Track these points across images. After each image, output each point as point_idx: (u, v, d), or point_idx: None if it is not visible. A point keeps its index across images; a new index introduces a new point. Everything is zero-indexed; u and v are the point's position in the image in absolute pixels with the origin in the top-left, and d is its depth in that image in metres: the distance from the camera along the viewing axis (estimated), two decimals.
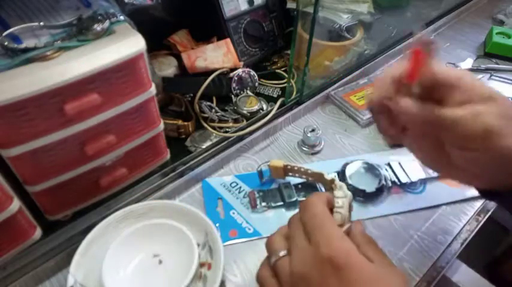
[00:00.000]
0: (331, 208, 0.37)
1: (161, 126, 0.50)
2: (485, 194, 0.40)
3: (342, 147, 0.65)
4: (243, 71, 0.68)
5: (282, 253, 0.36)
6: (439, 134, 0.36)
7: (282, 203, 0.55)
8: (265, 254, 0.38)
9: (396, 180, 0.57)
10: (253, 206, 0.54)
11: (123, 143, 0.46)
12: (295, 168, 0.54)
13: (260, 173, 0.58)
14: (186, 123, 0.61)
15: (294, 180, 0.57)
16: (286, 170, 0.56)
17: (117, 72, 0.40)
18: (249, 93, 0.69)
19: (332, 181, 0.38)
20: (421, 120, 0.35)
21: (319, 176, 0.52)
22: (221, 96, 0.67)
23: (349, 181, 0.56)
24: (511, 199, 0.36)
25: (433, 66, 0.34)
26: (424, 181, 0.58)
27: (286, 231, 0.38)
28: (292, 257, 0.35)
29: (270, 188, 0.57)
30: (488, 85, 0.35)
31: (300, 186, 0.56)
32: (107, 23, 0.40)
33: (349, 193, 0.38)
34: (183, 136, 0.61)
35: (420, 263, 0.49)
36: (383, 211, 0.55)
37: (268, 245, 0.39)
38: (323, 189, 0.56)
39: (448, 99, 0.35)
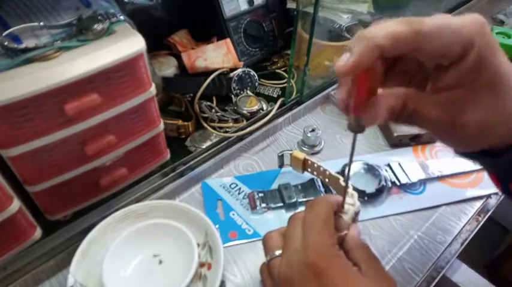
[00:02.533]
0: (336, 212, 0.37)
1: (161, 126, 0.50)
2: (469, 155, 0.36)
3: (342, 147, 0.65)
4: (243, 71, 0.68)
5: (277, 253, 0.37)
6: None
7: (281, 204, 0.55)
8: None
9: (396, 180, 0.57)
10: (253, 207, 0.54)
11: (123, 143, 0.46)
12: (315, 165, 0.54)
13: (281, 158, 0.58)
14: (186, 123, 0.60)
15: (294, 181, 0.57)
16: (305, 164, 0.56)
17: (117, 72, 0.40)
18: (249, 93, 0.69)
19: (346, 187, 0.38)
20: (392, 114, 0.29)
21: (335, 180, 0.51)
22: (221, 96, 0.67)
23: (349, 182, 0.55)
24: (484, 159, 0.34)
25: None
26: (423, 182, 0.58)
27: (285, 229, 0.38)
28: (282, 258, 0.35)
29: (269, 189, 0.57)
30: (498, 57, 0.26)
31: (299, 187, 0.56)
32: (107, 23, 0.40)
33: (358, 204, 0.38)
34: (183, 136, 0.61)
35: (420, 263, 0.49)
36: (383, 211, 0.55)
37: (265, 242, 0.39)
38: (322, 191, 0.56)
39: (442, 73, 0.28)
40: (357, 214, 0.38)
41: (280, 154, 0.58)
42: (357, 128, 0.29)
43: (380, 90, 0.29)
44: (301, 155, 0.55)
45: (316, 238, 0.33)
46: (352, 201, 0.37)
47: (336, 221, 0.36)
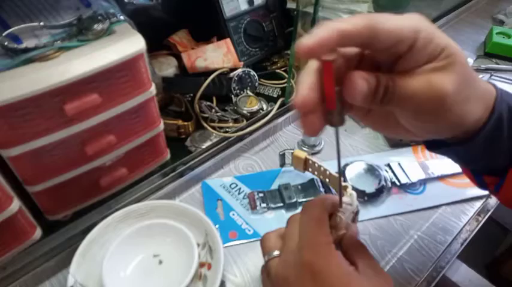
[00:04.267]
0: (334, 212, 0.37)
1: (161, 126, 0.50)
2: (430, 145, 0.38)
3: (342, 147, 0.65)
4: (243, 71, 0.68)
5: (275, 253, 0.37)
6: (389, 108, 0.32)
7: (281, 204, 0.55)
8: None
9: (396, 181, 0.57)
10: (253, 207, 0.54)
11: (123, 143, 0.46)
12: (316, 165, 0.54)
13: (282, 157, 0.58)
14: (186, 123, 0.61)
15: (294, 181, 0.57)
16: (306, 164, 0.56)
17: (117, 72, 0.40)
18: (249, 93, 0.69)
19: (345, 187, 0.38)
20: (370, 101, 0.30)
21: (335, 180, 0.52)
22: (221, 96, 0.67)
23: (349, 182, 0.56)
24: (458, 147, 0.35)
25: (384, 22, 0.29)
26: (423, 182, 0.58)
27: (283, 230, 0.38)
28: (279, 259, 0.36)
29: (269, 189, 0.57)
30: (443, 36, 0.30)
31: (299, 187, 0.56)
32: (107, 23, 0.40)
33: (357, 203, 0.38)
34: (183, 136, 0.61)
35: (420, 263, 0.49)
36: (383, 211, 0.55)
37: (263, 243, 0.39)
38: (322, 191, 0.56)
39: (401, 60, 0.30)
40: (355, 213, 0.38)
41: (281, 153, 0.58)
42: (338, 121, 0.30)
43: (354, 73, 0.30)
44: (302, 155, 0.55)
45: (310, 238, 0.34)
46: (350, 201, 0.37)
47: (334, 221, 0.36)
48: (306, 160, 0.55)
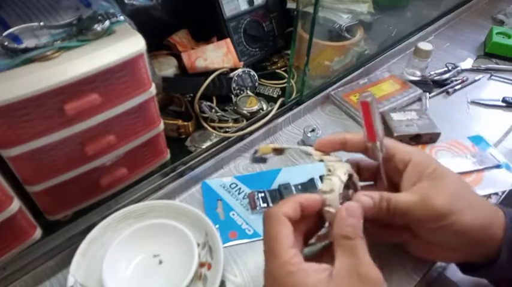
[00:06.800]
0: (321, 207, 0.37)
1: (161, 126, 0.50)
2: (466, 269, 0.43)
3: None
4: (243, 71, 0.68)
5: None
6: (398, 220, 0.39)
7: None
8: None
9: None
10: (253, 207, 0.54)
11: (123, 143, 0.46)
12: (283, 147, 0.53)
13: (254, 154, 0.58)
14: (186, 123, 0.61)
15: (294, 181, 0.57)
16: (276, 150, 0.55)
17: (117, 72, 0.40)
18: (249, 93, 0.69)
19: (328, 169, 0.39)
20: (378, 214, 0.37)
21: (309, 154, 0.51)
22: (221, 96, 0.67)
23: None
24: (491, 271, 0.38)
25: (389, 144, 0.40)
26: None
27: None
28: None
29: (269, 189, 0.57)
30: (435, 161, 0.39)
31: (299, 187, 0.56)
32: (107, 23, 0.40)
33: (339, 183, 0.37)
34: (183, 136, 0.61)
35: (420, 263, 0.49)
36: None
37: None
38: None
39: (401, 180, 0.39)
40: (349, 179, 0.38)
41: (254, 153, 0.57)
42: (378, 154, 0.40)
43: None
44: (268, 148, 0.53)
45: (267, 262, 0.34)
46: (334, 158, 0.37)
47: (324, 183, 0.37)
48: (274, 149, 0.54)
